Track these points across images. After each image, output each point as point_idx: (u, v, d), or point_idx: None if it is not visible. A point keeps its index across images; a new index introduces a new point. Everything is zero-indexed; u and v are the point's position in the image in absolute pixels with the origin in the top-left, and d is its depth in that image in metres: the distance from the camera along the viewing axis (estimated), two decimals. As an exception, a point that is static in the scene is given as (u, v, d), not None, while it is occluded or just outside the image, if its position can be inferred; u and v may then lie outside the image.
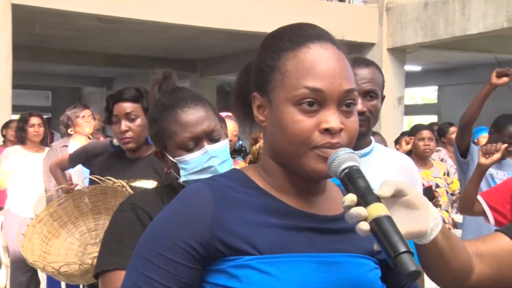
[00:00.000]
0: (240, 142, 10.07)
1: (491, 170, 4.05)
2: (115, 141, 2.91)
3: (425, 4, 7.61)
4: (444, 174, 5.10)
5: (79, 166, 3.62)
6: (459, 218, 5.16)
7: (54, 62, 12.74)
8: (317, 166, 1.07)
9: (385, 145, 4.30)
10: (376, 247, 0.97)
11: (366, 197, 0.98)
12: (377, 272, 1.16)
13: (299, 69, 1.08)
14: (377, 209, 0.96)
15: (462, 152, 4.13)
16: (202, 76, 13.26)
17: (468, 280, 1.19)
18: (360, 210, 0.96)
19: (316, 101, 1.06)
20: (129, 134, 2.63)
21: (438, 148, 6.51)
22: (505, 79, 3.70)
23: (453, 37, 7.37)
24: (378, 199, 0.99)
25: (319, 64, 1.08)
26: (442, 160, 6.05)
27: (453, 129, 6.57)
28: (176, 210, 1.11)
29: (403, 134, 6.55)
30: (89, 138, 5.03)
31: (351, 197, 0.97)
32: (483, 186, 3.76)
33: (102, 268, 1.62)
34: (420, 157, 4.98)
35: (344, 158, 1.03)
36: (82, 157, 3.34)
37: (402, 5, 8.00)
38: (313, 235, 1.11)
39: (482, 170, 3.16)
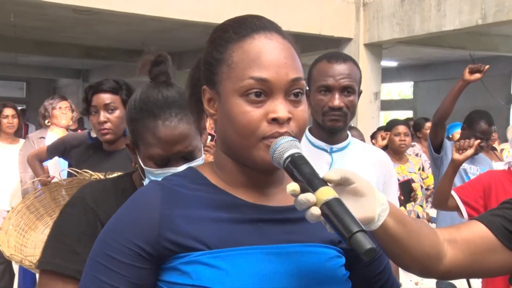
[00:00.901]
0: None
1: (465, 165, 4.11)
2: (93, 133, 2.90)
3: (401, 0, 7.66)
4: (419, 169, 5.15)
5: (56, 158, 3.60)
6: (433, 212, 5.22)
7: (29, 53, 12.57)
8: (267, 156, 1.07)
9: (363, 139, 4.34)
10: (329, 230, 0.97)
11: (312, 182, 0.98)
12: (339, 260, 1.15)
13: (245, 60, 1.08)
14: (325, 193, 0.96)
15: (436, 147, 4.18)
16: (179, 69, 13.16)
17: (439, 265, 1.19)
18: (308, 196, 0.96)
19: (263, 91, 1.07)
20: (107, 125, 2.62)
21: (413, 143, 6.57)
22: (477, 75, 3.75)
23: (429, 33, 7.42)
24: (324, 183, 0.98)
25: (264, 54, 1.08)
26: (417, 155, 6.12)
27: (428, 124, 6.64)
28: (125, 212, 1.12)
29: (379, 129, 6.60)
30: (67, 130, 4.99)
31: (292, 186, 0.97)
32: (457, 181, 3.81)
33: (41, 266, 1.55)
34: (395, 152, 5.03)
35: (286, 146, 1.03)
36: (60, 148, 3.32)
37: (378, 0, 8.04)
38: (264, 227, 1.11)
39: (455, 165, 3.21)
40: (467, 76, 3.77)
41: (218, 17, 7.15)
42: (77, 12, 7.97)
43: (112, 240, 1.09)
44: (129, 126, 1.63)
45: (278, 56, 1.08)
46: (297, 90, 1.09)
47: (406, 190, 4.49)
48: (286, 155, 1.03)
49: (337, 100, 2.08)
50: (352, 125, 6.18)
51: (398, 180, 4.67)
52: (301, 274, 1.09)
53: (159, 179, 1.52)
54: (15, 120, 5.29)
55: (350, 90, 2.10)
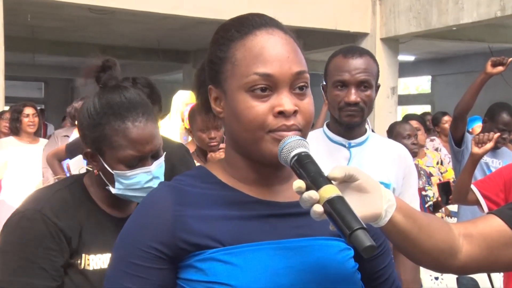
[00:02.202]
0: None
1: (486, 159, 4.07)
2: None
3: (418, -6, 7.60)
4: (437, 163, 5.11)
5: (79, 157, 3.63)
6: (453, 207, 5.17)
7: (46, 53, 12.66)
8: (274, 149, 1.08)
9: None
10: (331, 227, 0.99)
11: (316, 180, 0.99)
12: (348, 252, 1.17)
13: (248, 56, 1.10)
14: (328, 191, 0.98)
15: (457, 141, 4.14)
16: (195, 67, 13.08)
17: (455, 260, 1.18)
18: (311, 194, 0.97)
19: (267, 86, 1.09)
20: None
21: (432, 137, 6.52)
22: (500, 68, 3.71)
23: (446, 26, 7.35)
24: (329, 181, 1.00)
25: (267, 50, 1.10)
26: (436, 149, 6.07)
27: (446, 118, 6.58)
28: (138, 217, 1.15)
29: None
30: None
31: (298, 184, 0.99)
32: (479, 175, 3.77)
33: (8, 286, 1.47)
34: (409, 147, 4.99)
35: (293, 145, 1.05)
36: (79, 148, 3.34)
37: (395, -6, 7.99)
38: (275, 222, 1.13)
39: (475, 159, 3.17)
40: (489, 69, 3.72)
41: (234, 14, 7.13)
42: (93, 11, 8.01)
43: (130, 246, 1.12)
44: (90, 133, 1.58)
45: (281, 50, 1.10)
46: (301, 83, 1.11)
47: (445, 192, 4.42)
48: (292, 153, 1.04)
49: (353, 95, 2.06)
50: (368, 120, 6.15)
51: (440, 180, 4.65)
52: (313, 267, 1.11)
53: (132, 181, 1.56)
54: (36, 119, 5.39)
55: (367, 84, 2.08)
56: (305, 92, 1.12)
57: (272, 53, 1.09)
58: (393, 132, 4.31)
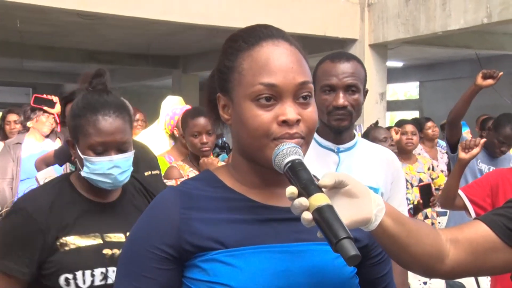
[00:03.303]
0: (224, 138, 10.06)
1: (482, 166, 4.11)
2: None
3: (406, 0, 7.64)
4: (428, 169, 5.12)
5: (48, 168, 3.64)
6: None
7: (34, 58, 12.60)
8: None
9: None
10: (319, 235, 1.01)
11: (308, 188, 1.02)
12: None
13: (254, 67, 1.15)
14: (318, 199, 1.00)
15: (452, 146, 4.18)
16: (184, 73, 13.19)
17: (442, 265, 1.21)
18: (301, 201, 1.00)
19: (272, 95, 1.13)
20: None
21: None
22: (490, 81, 3.72)
23: (434, 33, 7.40)
24: (319, 189, 1.02)
25: (272, 61, 1.14)
26: (418, 155, 6.08)
27: (429, 124, 6.59)
28: (147, 219, 1.21)
29: (389, 128, 6.56)
30: (46, 137, 5.01)
31: (291, 190, 1.02)
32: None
33: None
34: (403, 151, 5.00)
35: (287, 152, 1.09)
36: (67, 153, 3.33)
37: (383, 1, 8.02)
38: (277, 227, 1.18)
39: (462, 164, 3.20)
40: (479, 81, 3.75)
41: (223, 20, 7.16)
42: (81, 17, 7.98)
43: (138, 247, 1.17)
44: (71, 123, 1.86)
45: (285, 61, 1.15)
46: (305, 93, 1.15)
47: (426, 194, 4.43)
48: (286, 160, 1.08)
49: (341, 99, 2.07)
50: (361, 126, 6.16)
51: (407, 181, 4.65)
52: (311, 271, 1.15)
53: (96, 166, 1.78)
54: (17, 126, 5.43)
55: (354, 88, 2.09)
56: (309, 101, 1.16)
57: (277, 63, 1.14)
58: (369, 137, 4.32)
